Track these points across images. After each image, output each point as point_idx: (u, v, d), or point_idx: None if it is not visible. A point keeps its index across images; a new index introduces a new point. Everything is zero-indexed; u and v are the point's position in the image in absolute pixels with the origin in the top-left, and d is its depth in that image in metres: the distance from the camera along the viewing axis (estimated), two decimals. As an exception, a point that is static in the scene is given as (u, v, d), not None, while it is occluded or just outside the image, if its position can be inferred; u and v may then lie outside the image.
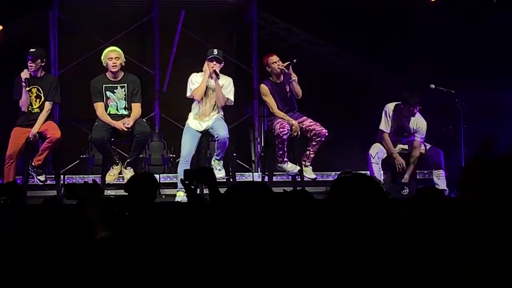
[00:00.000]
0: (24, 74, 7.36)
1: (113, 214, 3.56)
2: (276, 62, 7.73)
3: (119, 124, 7.36)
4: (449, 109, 8.17)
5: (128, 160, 7.50)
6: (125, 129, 7.34)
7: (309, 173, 7.81)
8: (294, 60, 7.69)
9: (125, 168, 7.47)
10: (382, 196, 2.71)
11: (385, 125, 7.88)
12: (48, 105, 7.43)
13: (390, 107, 7.90)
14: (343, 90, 9.38)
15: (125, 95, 7.52)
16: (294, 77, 7.72)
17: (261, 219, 2.74)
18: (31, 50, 7.45)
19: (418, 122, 7.85)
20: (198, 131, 7.57)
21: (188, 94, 7.59)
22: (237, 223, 2.74)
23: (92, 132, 7.46)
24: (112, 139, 7.50)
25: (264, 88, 7.80)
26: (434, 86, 7.93)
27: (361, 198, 2.67)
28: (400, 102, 7.86)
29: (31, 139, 7.36)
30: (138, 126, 7.42)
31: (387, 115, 7.88)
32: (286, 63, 7.69)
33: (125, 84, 7.53)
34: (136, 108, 7.53)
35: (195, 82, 7.55)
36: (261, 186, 3.01)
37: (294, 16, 9.65)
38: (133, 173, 7.47)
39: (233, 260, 2.63)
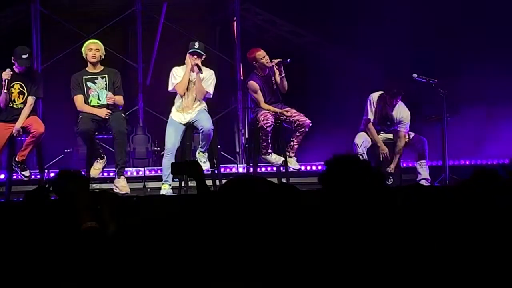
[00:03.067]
0: (6, 75, 7.25)
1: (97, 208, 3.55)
2: (264, 58, 7.72)
3: (101, 112, 7.32)
4: (431, 98, 8.21)
5: (118, 169, 7.36)
6: (107, 116, 7.30)
7: (293, 164, 7.83)
8: (288, 60, 7.69)
9: (119, 178, 7.32)
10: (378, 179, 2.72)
11: (370, 114, 7.93)
12: (31, 100, 7.39)
13: (374, 96, 7.95)
14: (326, 80, 9.40)
15: (106, 85, 7.46)
16: (283, 73, 7.73)
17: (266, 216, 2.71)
18: (28, 49, 7.40)
19: (401, 112, 7.89)
20: (181, 123, 7.57)
21: (170, 88, 7.57)
22: (238, 219, 2.71)
23: (78, 125, 7.43)
24: (96, 133, 7.48)
25: (254, 85, 7.77)
26: (416, 76, 7.97)
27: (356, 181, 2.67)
28: (383, 92, 7.92)
29: (14, 134, 7.32)
30: (115, 123, 7.33)
31: (372, 104, 7.93)
32: (278, 60, 7.68)
33: (106, 75, 7.48)
34: (119, 99, 7.52)
35: (177, 76, 7.53)
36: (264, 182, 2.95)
37: (276, 7, 9.66)
38: (125, 181, 7.36)
39: (232, 256, 2.61)
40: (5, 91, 7.27)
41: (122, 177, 7.33)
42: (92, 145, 7.45)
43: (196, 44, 7.49)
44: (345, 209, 2.62)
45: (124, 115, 7.54)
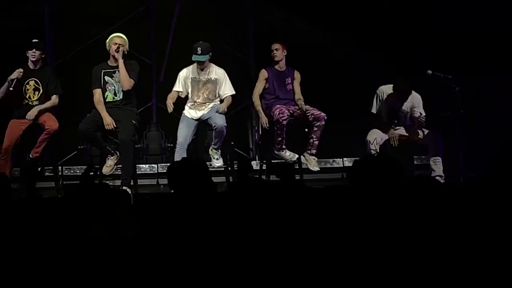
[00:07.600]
0: (15, 74, 7.25)
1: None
2: (274, 50, 7.79)
3: (107, 120, 7.26)
4: (446, 94, 8.15)
5: (123, 179, 7.21)
6: (112, 128, 7.23)
7: (313, 165, 7.71)
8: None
9: (122, 187, 7.12)
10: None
11: (375, 108, 7.86)
12: (55, 99, 7.42)
13: (382, 89, 7.85)
14: (340, 77, 9.36)
15: None
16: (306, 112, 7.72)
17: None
18: (35, 40, 7.42)
19: (412, 99, 7.79)
20: (193, 119, 7.56)
21: (174, 89, 7.63)
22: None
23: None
24: (98, 132, 7.34)
25: (262, 73, 7.86)
26: (431, 72, 7.90)
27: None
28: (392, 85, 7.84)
29: (27, 118, 7.26)
30: (121, 131, 7.25)
31: (378, 97, 7.85)
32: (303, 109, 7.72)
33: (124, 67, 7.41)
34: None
35: (180, 83, 7.63)
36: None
37: (290, 5, 9.63)
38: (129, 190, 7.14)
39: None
40: (11, 89, 7.26)
41: (124, 186, 7.13)
42: (95, 144, 7.42)
43: (199, 50, 7.45)
44: (372, 205, 2.63)
45: (134, 122, 7.39)
